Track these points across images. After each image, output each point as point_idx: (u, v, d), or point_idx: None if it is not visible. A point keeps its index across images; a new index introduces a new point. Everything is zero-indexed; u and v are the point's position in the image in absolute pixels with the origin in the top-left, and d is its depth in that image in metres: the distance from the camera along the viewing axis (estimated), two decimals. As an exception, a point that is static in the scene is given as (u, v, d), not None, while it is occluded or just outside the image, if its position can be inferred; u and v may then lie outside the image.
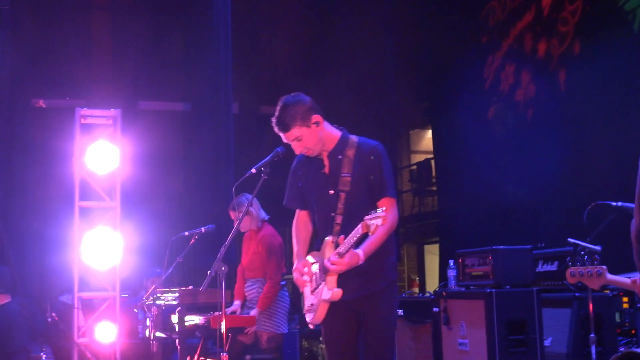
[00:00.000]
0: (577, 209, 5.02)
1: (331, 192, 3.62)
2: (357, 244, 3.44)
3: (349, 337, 3.65)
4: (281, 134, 3.60)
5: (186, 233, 5.76)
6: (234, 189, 3.75)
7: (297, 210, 3.84)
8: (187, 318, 5.33)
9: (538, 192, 8.45)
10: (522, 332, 4.92)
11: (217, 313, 5.01)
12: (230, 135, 10.15)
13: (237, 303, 5.60)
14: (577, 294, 5.21)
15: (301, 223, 3.82)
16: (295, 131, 3.56)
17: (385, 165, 3.62)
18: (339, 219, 3.57)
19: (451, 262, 5.62)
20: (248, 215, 5.51)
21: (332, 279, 3.52)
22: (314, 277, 3.60)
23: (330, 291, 3.51)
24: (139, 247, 7.97)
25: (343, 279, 3.53)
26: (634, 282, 3.15)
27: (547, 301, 5.32)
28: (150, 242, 9.73)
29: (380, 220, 3.20)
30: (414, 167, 13.41)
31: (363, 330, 3.60)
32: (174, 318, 5.45)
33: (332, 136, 3.67)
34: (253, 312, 5.36)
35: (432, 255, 12.94)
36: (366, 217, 3.26)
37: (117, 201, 6.77)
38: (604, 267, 3.35)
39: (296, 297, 8.10)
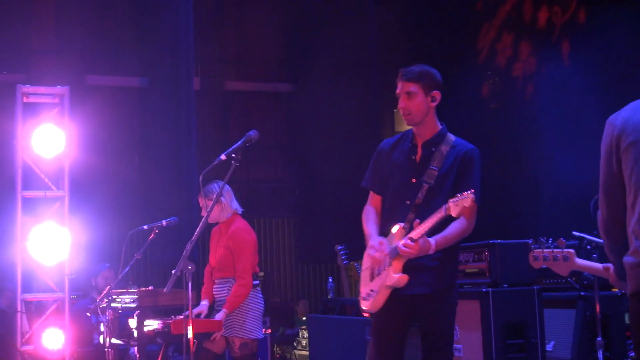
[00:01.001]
0: (584, 197, 5.04)
1: (414, 180, 3.93)
2: (430, 234, 3.76)
3: (399, 332, 3.95)
4: (399, 82, 3.92)
5: (145, 227, 5.82)
6: (201, 177, 3.90)
7: (371, 194, 4.13)
8: (146, 322, 5.29)
9: (539, 178, 8.42)
10: (522, 335, 4.93)
11: (178, 317, 5.08)
12: (192, 114, 10.05)
13: (204, 304, 5.59)
14: (582, 293, 5.21)
15: (374, 207, 4.09)
16: (414, 87, 3.89)
17: (476, 170, 3.92)
18: (414, 209, 3.87)
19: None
20: (218, 205, 5.46)
21: (398, 264, 3.81)
22: (378, 262, 3.89)
23: (396, 275, 3.80)
24: (89, 242, 7.91)
25: (404, 271, 3.82)
26: (607, 268, 3.23)
27: (550, 301, 5.30)
28: (102, 237, 9.90)
29: (469, 200, 3.53)
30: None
31: (424, 337, 3.91)
32: (132, 322, 5.42)
33: (434, 125, 4.00)
34: (219, 316, 5.32)
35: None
36: (451, 200, 3.60)
37: (65, 190, 6.71)
38: (572, 250, 3.32)
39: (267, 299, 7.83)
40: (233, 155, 3.92)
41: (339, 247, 7.66)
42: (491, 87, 9.68)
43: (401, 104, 3.92)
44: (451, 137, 3.99)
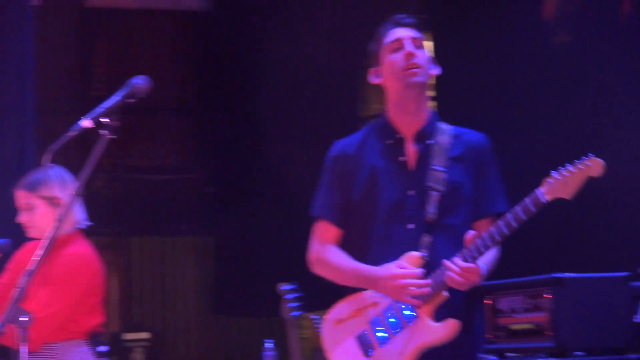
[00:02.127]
0: None
1: (411, 192, 3.84)
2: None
3: None
4: (400, 28, 3.89)
5: None
6: (47, 157, 3.71)
7: (324, 228, 3.94)
8: None
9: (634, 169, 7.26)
10: None
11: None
12: (28, 44, 8.39)
13: None
14: None
15: (337, 250, 3.90)
16: (423, 39, 3.89)
17: (496, 166, 3.94)
18: (429, 228, 3.78)
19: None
20: (49, 206, 5.21)
21: (429, 309, 3.73)
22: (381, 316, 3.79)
23: (439, 324, 3.70)
24: None
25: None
26: None
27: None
28: None
29: (599, 166, 3.59)
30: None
31: None
32: None
33: (427, 107, 3.96)
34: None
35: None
36: (554, 175, 3.61)
37: None
38: None
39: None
40: (104, 120, 3.51)
41: (284, 287, 6.97)
42: (559, 3, 8.61)
43: (408, 48, 3.81)
44: (444, 124, 3.90)
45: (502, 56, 9.08)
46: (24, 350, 3.70)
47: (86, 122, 3.60)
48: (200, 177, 11.67)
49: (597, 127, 7.99)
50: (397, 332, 3.76)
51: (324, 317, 3.98)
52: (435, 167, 3.84)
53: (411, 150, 3.90)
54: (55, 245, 4.99)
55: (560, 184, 3.59)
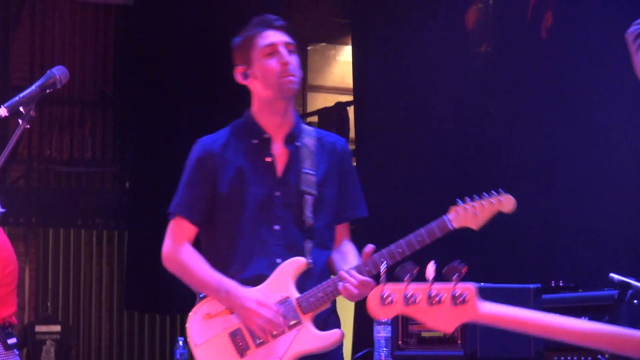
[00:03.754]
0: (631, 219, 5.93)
1: (277, 193, 3.76)
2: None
3: None
4: (271, 31, 3.78)
5: None
6: None
7: (180, 225, 3.78)
8: None
9: (553, 177, 7.47)
10: None
11: None
12: None
13: None
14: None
15: (192, 249, 3.78)
16: (294, 44, 3.83)
17: (354, 170, 3.98)
18: (307, 233, 3.74)
19: (382, 313, 5.54)
20: None
21: (312, 315, 3.69)
22: (269, 317, 3.66)
23: (326, 333, 3.68)
24: None
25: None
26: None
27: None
28: None
29: (510, 204, 3.66)
30: (314, 117, 12.71)
31: None
32: None
33: (292, 108, 3.91)
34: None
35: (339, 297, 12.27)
36: (470, 203, 3.67)
37: None
38: (471, 286, 2.61)
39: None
40: (21, 108, 3.44)
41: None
42: (481, 14, 8.66)
43: (285, 57, 3.71)
44: (306, 126, 3.90)
45: (423, 62, 9.02)
46: None
47: (2, 111, 3.51)
48: (116, 171, 11.54)
49: (512, 138, 8.08)
50: (277, 334, 3.68)
51: (190, 313, 3.86)
52: (306, 170, 3.81)
53: (279, 151, 3.85)
54: None
55: (469, 214, 3.60)
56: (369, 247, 3.60)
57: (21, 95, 3.50)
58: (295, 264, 3.70)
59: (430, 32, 8.73)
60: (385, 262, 3.58)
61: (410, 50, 9.14)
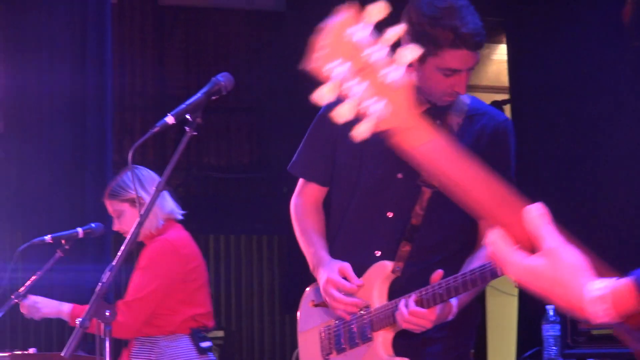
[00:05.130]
0: None
1: (399, 175, 3.41)
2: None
3: None
4: (463, 51, 3.29)
5: (48, 238, 5.54)
6: (130, 154, 3.44)
7: (305, 185, 3.65)
8: None
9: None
10: None
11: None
12: (105, 40, 8.25)
13: None
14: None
15: (313, 206, 3.64)
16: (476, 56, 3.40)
17: (513, 154, 3.49)
18: (408, 234, 3.36)
19: (550, 309, 5.43)
20: (135, 207, 5.32)
21: (388, 336, 3.33)
22: (341, 329, 3.48)
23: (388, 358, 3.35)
24: None
25: (400, 343, 3.37)
26: None
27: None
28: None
29: None
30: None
31: None
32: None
33: None
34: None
35: (500, 295, 11.74)
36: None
37: None
38: None
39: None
40: (189, 116, 3.40)
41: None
42: (637, 8, 8.24)
43: (461, 88, 3.31)
44: (466, 98, 3.44)
45: (579, 58, 8.98)
46: (107, 344, 3.66)
47: (170, 119, 3.56)
48: (273, 175, 11.57)
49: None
50: (353, 345, 3.47)
51: (306, 289, 3.76)
52: None
53: None
54: (149, 237, 5.33)
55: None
56: (437, 274, 3.23)
57: (187, 102, 3.54)
58: (381, 269, 3.42)
59: (585, 27, 8.67)
60: (443, 298, 3.20)
61: (566, 47, 9.06)
